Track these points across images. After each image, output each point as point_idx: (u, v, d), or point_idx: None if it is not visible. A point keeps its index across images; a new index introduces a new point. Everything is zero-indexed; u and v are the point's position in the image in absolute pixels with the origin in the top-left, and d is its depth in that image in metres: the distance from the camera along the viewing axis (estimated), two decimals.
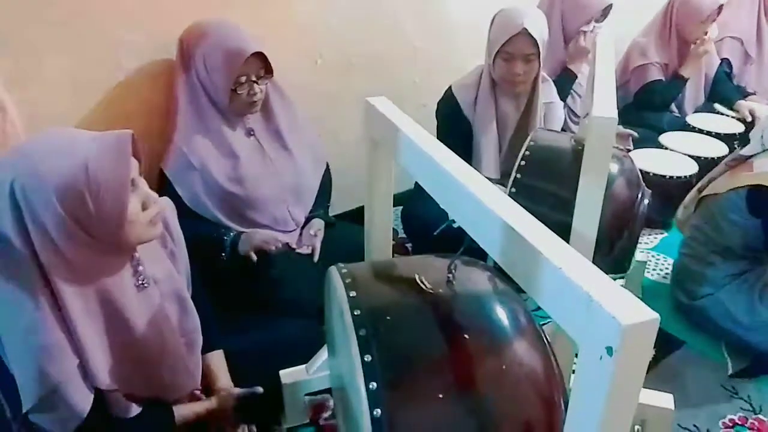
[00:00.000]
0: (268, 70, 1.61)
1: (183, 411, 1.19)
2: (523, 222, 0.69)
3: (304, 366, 1.41)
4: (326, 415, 1.48)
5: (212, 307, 1.38)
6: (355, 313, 0.87)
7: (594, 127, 1.06)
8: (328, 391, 1.48)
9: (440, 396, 0.82)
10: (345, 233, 1.84)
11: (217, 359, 1.33)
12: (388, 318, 0.87)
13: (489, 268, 1.06)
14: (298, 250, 1.74)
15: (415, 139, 0.93)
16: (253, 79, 1.57)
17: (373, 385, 0.79)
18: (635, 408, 0.60)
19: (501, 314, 0.93)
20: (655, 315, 0.54)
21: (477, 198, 0.75)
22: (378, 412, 0.78)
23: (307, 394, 1.44)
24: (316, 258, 1.73)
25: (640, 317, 0.54)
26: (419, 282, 0.94)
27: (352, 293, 0.90)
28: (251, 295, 1.62)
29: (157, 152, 1.61)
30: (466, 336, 0.87)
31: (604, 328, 0.55)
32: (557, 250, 0.64)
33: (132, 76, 1.64)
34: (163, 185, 1.57)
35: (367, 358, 0.81)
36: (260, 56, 1.56)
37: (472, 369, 0.86)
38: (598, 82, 1.20)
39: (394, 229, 1.32)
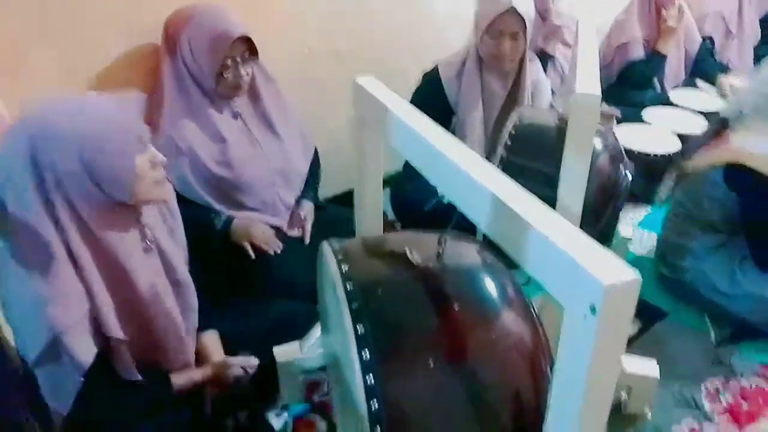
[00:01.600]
0: (254, 53, 1.61)
1: (179, 379, 1.21)
2: (510, 193, 0.71)
3: (297, 343, 1.43)
4: (321, 392, 1.50)
5: (205, 290, 1.39)
6: (348, 287, 0.89)
7: (578, 104, 1.08)
8: (323, 369, 1.51)
9: (432, 364, 0.84)
10: (335, 215, 1.86)
11: (211, 338, 1.35)
12: (379, 291, 0.90)
13: (478, 242, 1.09)
14: (288, 233, 1.76)
15: (405, 117, 0.95)
16: (239, 61, 1.57)
17: (367, 355, 0.82)
18: (619, 365, 0.63)
19: (490, 286, 0.95)
20: (636, 275, 0.57)
21: (466, 172, 0.77)
22: (371, 380, 0.80)
23: (301, 373, 1.46)
24: (306, 240, 1.76)
25: (621, 277, 0.56)
26: (410, 256, 0.96)
27: (344, 267, 0.92)
28: (243, 277, 1.65)
29: None
30: (456, 307, 0.90)
31: (587, 288, 0.57)
32: (542, 218, 0.66)
33: (118, 62, 1.63)
34: None
35: (360, 329, 0.84)
36: (246, 39, 1.57)
37: (463, 339, 0.89)
38: (580, 59, 1.22)
39: (383, 212, 1.34)
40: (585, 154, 1.14)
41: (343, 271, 0.92)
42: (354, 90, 1.13)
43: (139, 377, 1.13)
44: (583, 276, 0.58)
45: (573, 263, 0.59)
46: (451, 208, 0.92)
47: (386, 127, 1.01)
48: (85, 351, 1.03)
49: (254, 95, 1.72)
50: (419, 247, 0.99)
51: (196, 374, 1.25)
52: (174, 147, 1.58)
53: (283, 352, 1.42)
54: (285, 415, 1.43)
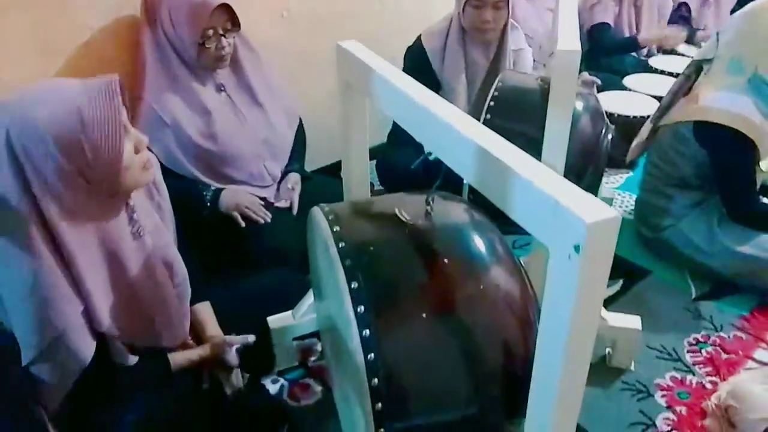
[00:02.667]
0: (235, 23, 1.60)
1: (177, 358, 1.22)
2: (494, 143, 0.73)
3: (290, 312, 1.46)
4: (315, 357, 1.53)
5: (195, 262, 1.40)
6: (340, 246, 0.91)
7: (559, 60, 1.10)
8: (316, 335, 1.54)
9: (424, 316, 0.88)
10: (322, 186, 1.87)
11: (205, 309, 1.36)
12: (371, 248, 0.92)
13: (465, 201, 1.11)
14: (276, 204, 1.77)
15: (389, 77, 0.96)
16: (221, 32, 1.57)
17: (361, 308, 0.84)
18: (601, 303, 0.66)
19: (478, 241, 0.98)
20: (617, 213, 0.59)
21: (452, 126, 0.79)
22: (367, 332, 0.83)
23: (295, 339, 1.49)
24: (294, 211, 1.77)
25: (602, 215, 0.59)
26: (399, 215, 0.98)
27: (336, 228, 0.94)
28: (233, 249, 1.66)
29: (128, 112, 1.60)
30: (446, 260, 0.93)
31: (570, 228, 0.60)
32: (526, 165, 0.68)
33: (97, 35, 1.61)
34: None
35: (354, 285, 0.86)
36: (227, 9, 1.55)
37: (453, 291, 0.92)
38: (561, 17, 1.24)
39: (370, 182, 1.35)
40: (567, 111, 1.16)
41: (335, 231, 0.94)
42: (338, 54, 1.14)
43: (135, 359, 1.13)
44: (566, 216, 0.60)
45: (556, 205, 0.62)
46: (437, 166, 0.94)
47: (371, 89, 1.02)
48: (86, 346, 1.03)
49: (237, 67, 1.71)
50: (408, 206, 1.02)
51: (193, 353, 1.26)
52: (158, 120, 1.57)
53: (276, 320, 1.45)
54: (281, 380, 1.46)
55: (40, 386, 1.03)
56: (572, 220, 0.60)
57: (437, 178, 1.03)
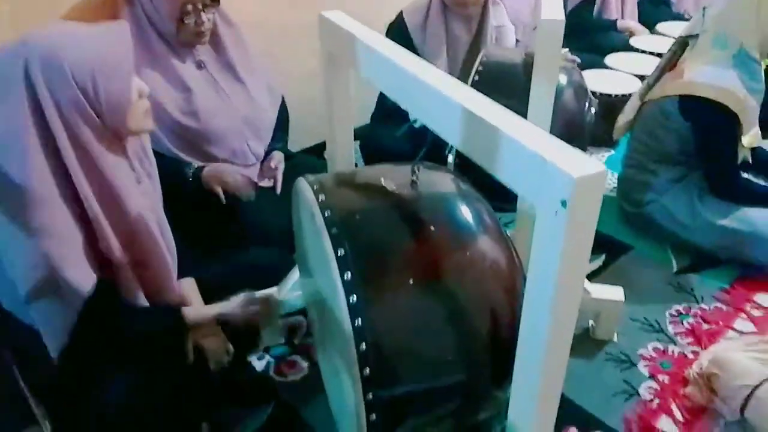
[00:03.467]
0: None
1: (190, 313, 1.19)
2: (480, 105, 0.73)
3: (275, 288, 1.45)
4: (302, 334, 1.53)
5: (179, 240, 1.39)
6: (326, 215, 0.90)
7: (543, 30, 1.10)
8: (303, 313, 1.53)
9: (411, 282, 0.87)
10: (306, 164, 1.85)
11: (189, 285, 1.35)
12: (357, 216, 0.92)
13: (450, 171, 1.11)
14: (260, 183, 1.76)
15: (374, 44, 0.95)
16: (200, 7, 1.54)
17: (348, 275, 0.84)
18: (588, 259, 0.66)
19: (465, 210, 0.98)
20: (603, 167, 0.60)
21: (437, 90, 0.78)
22: (354, 298, 0.83)
23: (281, 316, 1.49)
24: (278, 190, 1.75)
25: (589, 170, 0.59)
26: (385, 184, 0.97)
27: (321, 197, 0.94)
28: (217, 227, 1.64)
29: None
30: (433, 228, 0.93)
31: (558, 183, 0.60)
32: (512, 124, 0.68)
33: (74, 13, 1.56)
34: None
35: (341, 252, 0.86)
36: None
37: (440, 258, 0.91)
38: None
39: (355, 164, 1.34)
40: (551, 82, 1.17)
41: (320, 200, 0.93)
42: (320, 25, 1.13)
43: (147, 303, 1.13)
44: (553, 172, 0.60)
45: (543, 161, 0.62)
46: (422, 134, 0.93)
47: (355, 57, 1.01)
48: (84, 279, 1.02)
49: (217, 43, 1.68)
50: (393, 176, 1.01)
51: (213, 309, 1.23)
52: None
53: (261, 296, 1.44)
54: (267, 357, 1.46)
55: (44, 329, 1.02)
56: (559, 175, 0.60)
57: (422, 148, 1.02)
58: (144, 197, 1.15)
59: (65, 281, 0.99)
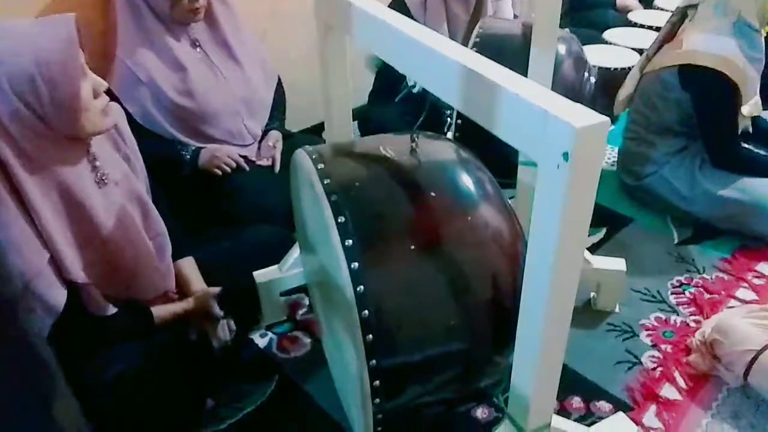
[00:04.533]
0: None
1: (160, 312, 1.21)
2: (480, 63, 0.72)
3: (277, 266, 1.45)
4: (303, 311, 1.53)
5: (178, 221, 1.38)
6: (325, 182, 0.89)
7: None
8: (304, 291, 1.53)
9: (412, 248, 0.87)
10: (304, 143, 1.83)
11: (188, 265, 1.34)
12: (357, 183, 0.91)
13: (450, 140, 1.10)
14: (258, 162, 1.75)
15: (372, 11, 0.93)
16: None
17: (349, 242, 0.83)
18: (590, 215, 0.66)
19: (465, 177, 0.97)
20: (605, 118, 0.59)
21: (435, 50, 0.77)
22: (355, 265, 0.82)
23: (282, 294, 1.48)
24: (277, 169, 1.75)
25: (591, 120, 0.58)
26: (384, 152, 0.97)
27: (320, 166, 0.93)
28: (216, 208, 1.64)
29: (101, 71, 1.55)
30: (434, 194, 0.92)
31: (560, 135, 0.59)
32: (512, 80, 0.67)
33: None
34: None
35: (341, 219, 0.85)
36: None
37: (441, 224, 0.91)
38: None
39: None
40: (550, 51, 1.15)
41: (319, 169, 0.92)
42: None
43: (114, 310, 1.11)
44: (555, 124, 0.60)
45: (544, 114, 0.61)
46: (420, 100, 0.92)
47: (351, 25, 1.00)
48: (56, 295, 1.00)
49: (211, 21, 1.67)
50: (392, 144, 1.00)
51: (177, 307, 1.25)
52: (132, 77, 1.53)
53: (262, 274, 1.44)
54: (269, 334, 1.46)
55: None
56: (561, 126, 0.59)
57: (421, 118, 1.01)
58: (111, 194, 1.10)
59: (37, 296, 0.97)
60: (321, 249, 1.02)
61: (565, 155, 0.59)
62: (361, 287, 0.82)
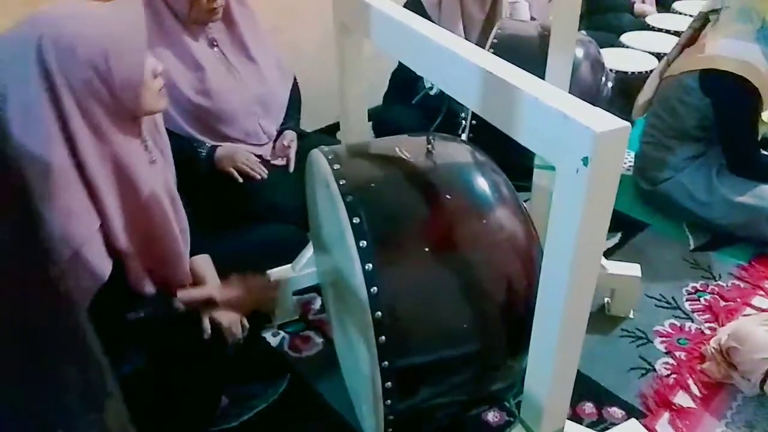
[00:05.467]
0: None
1: (183, 295, 1.21)
2: (498, 66, 0.72)
3: (290, 265, 1.45)
4: (315, 311, 1.53)
5: (193, 219, 1.39)
6: (341, 183, 0.90)
7: (560, 3, 1.08)
8: (316, 291, 1.54)
9: (426, 250, 0.87)
10: (319, 143, 1.84)
11: (203, 261, 1.35)
12: (372, 184, 0.91)
13: (466, 142, 1.10)
14: (273, 162, 1.76)
15: (389, 11, 0.94)
16: None
17: (363, 243, 0.84)
18: (608, 221, 0.65)
19: (480, 179, 0.97)
20: (626, 123, 0.58)
21: (454, 52, 0.77)
22: (369, 266, 0.82)
23: (295, 293, 1.49)
24: (291, 168, 1.75)
25: (611, 125, 0.58)
26: (400, 153, 0.97)
27: (336, 166, 0.93)
28: (230, 207, 1.64)
29: None
30: (449, 196, 0.92)
31: (579, 139, 0.59)
32: (531, 83, 0.67)
33: None
34: None
35: (356, 220, 0.85)
36: None
37: (456, 227, 0.91)
38: None
39: None
40: (568, 54, 1.15)
41: (335, 169, 0.92)
42: None
43: (152, 288, 1.13)
44: (575, 128, 0.59)
45: (564, 118, 0.60)
46: (437, 102, 0.92)
47: (369, 25, 1.00)
48: (103, 263, 1.03)
49: (229, 21, 1.67)
50: (408, 146, 1.00)
51: (204, 291, 1.22)
52: None
53: (276, 272, 1.45)
54: (281, 333, 1.46)
55: None
56: (581, 131, 0.58)
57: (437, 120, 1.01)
58: (157, 176, 1.14)
59: (84, 263, 0.99)
60: (335, 249, 1.02)
61: (585, 160, 0.59)
62: (375, 288, 0.82)
